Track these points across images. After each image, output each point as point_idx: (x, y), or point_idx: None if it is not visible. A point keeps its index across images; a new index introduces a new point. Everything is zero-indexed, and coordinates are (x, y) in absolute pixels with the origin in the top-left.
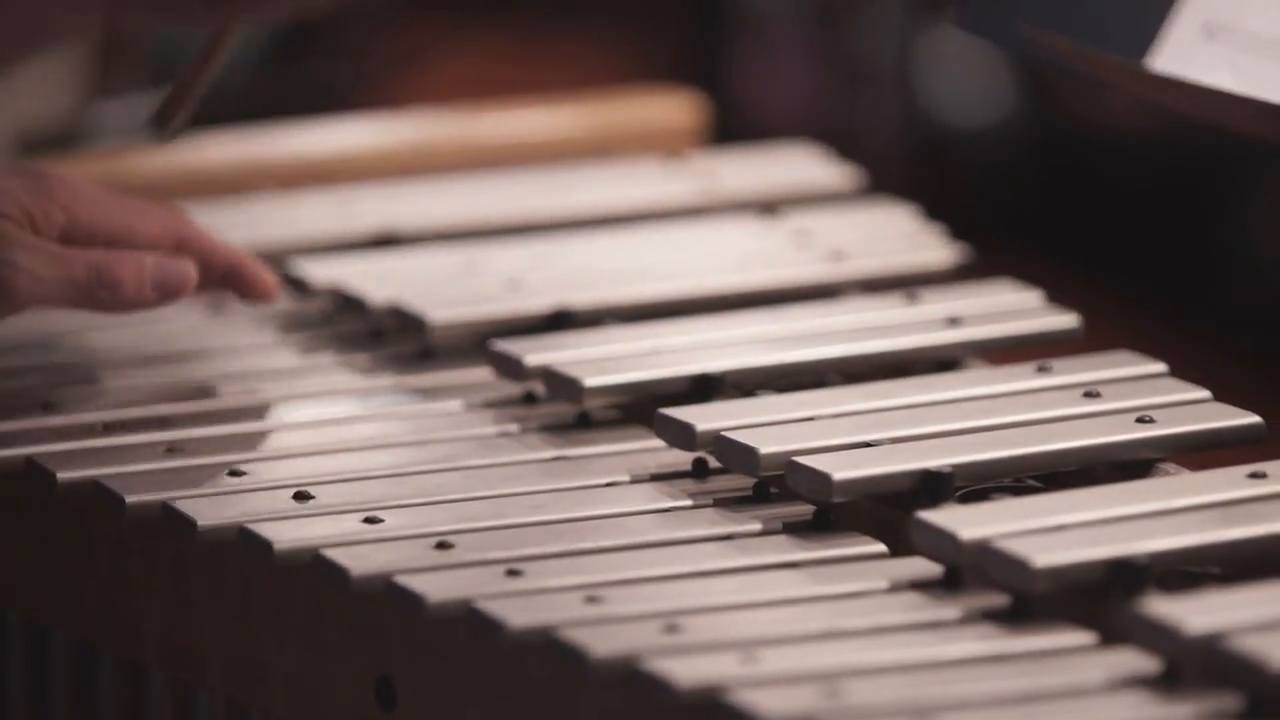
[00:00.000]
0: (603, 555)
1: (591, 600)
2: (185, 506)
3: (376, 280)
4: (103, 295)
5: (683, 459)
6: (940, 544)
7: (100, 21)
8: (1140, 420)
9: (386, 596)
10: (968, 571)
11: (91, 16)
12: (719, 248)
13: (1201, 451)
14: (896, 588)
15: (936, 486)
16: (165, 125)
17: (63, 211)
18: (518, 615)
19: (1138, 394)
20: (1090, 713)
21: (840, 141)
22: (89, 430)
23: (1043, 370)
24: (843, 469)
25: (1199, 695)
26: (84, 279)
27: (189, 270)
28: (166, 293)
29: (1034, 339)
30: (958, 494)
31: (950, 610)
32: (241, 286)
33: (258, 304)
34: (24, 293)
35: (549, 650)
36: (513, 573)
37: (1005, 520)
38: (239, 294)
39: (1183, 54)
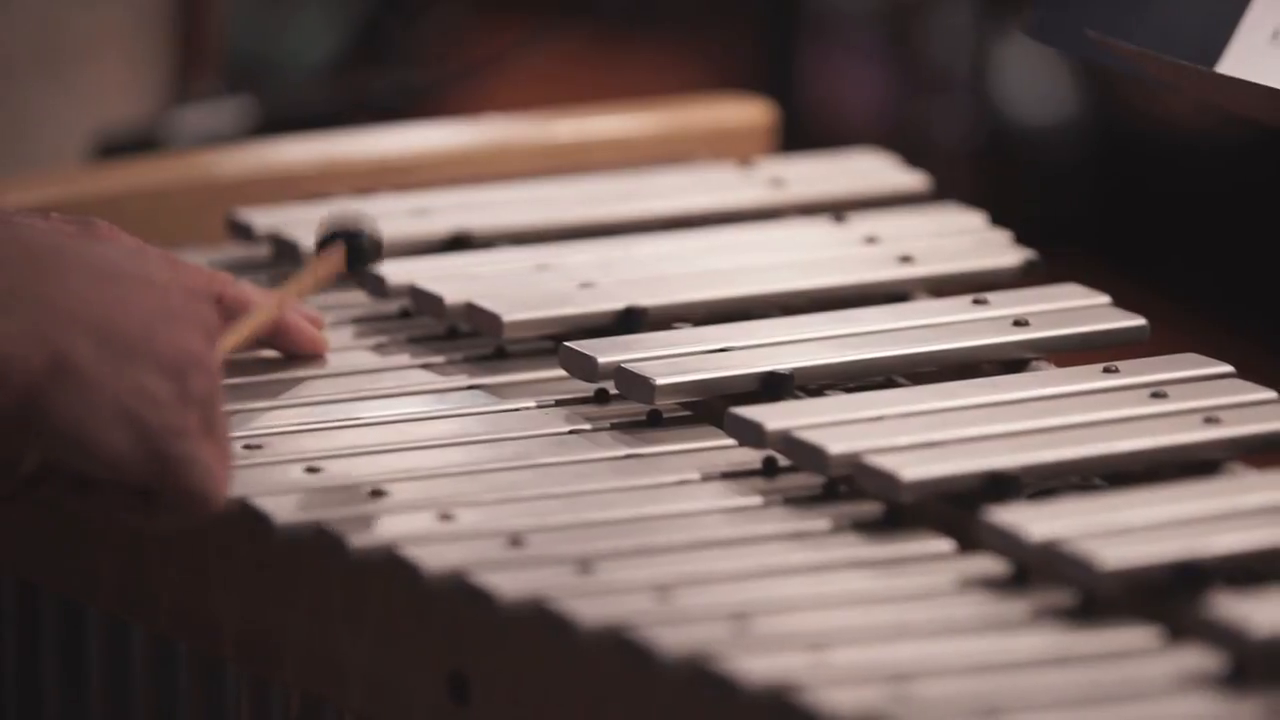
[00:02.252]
0: (673, 553)
1: (662, 597)
2: (263, 503)
3: (451, 281)
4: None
5: (752, 457)
6: (1008, 542)
7: None
8: (1207, 421)
9: (460, 593)
10: (1035, 570)
11: None
12: (788, 251)
13: (1268, 452)
14: (964, 586)
15: (1004, 486)
16: None
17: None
18: (589, 612)
19: (1204, 395)
20: (1157, 711)
21: (909, 146)
22: None
23: (1109, 371)
24: (911, 468)
25: (1265, 694)
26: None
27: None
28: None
29: (1101, 340)
30: (1025, 493)
31: (1017, 608)
32: (287, 339)
33: (305, 355)
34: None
35: (620, 647)
36: (584, 569)
37: (1073, 519)
38: (285, 350)
39: (1250, 58)
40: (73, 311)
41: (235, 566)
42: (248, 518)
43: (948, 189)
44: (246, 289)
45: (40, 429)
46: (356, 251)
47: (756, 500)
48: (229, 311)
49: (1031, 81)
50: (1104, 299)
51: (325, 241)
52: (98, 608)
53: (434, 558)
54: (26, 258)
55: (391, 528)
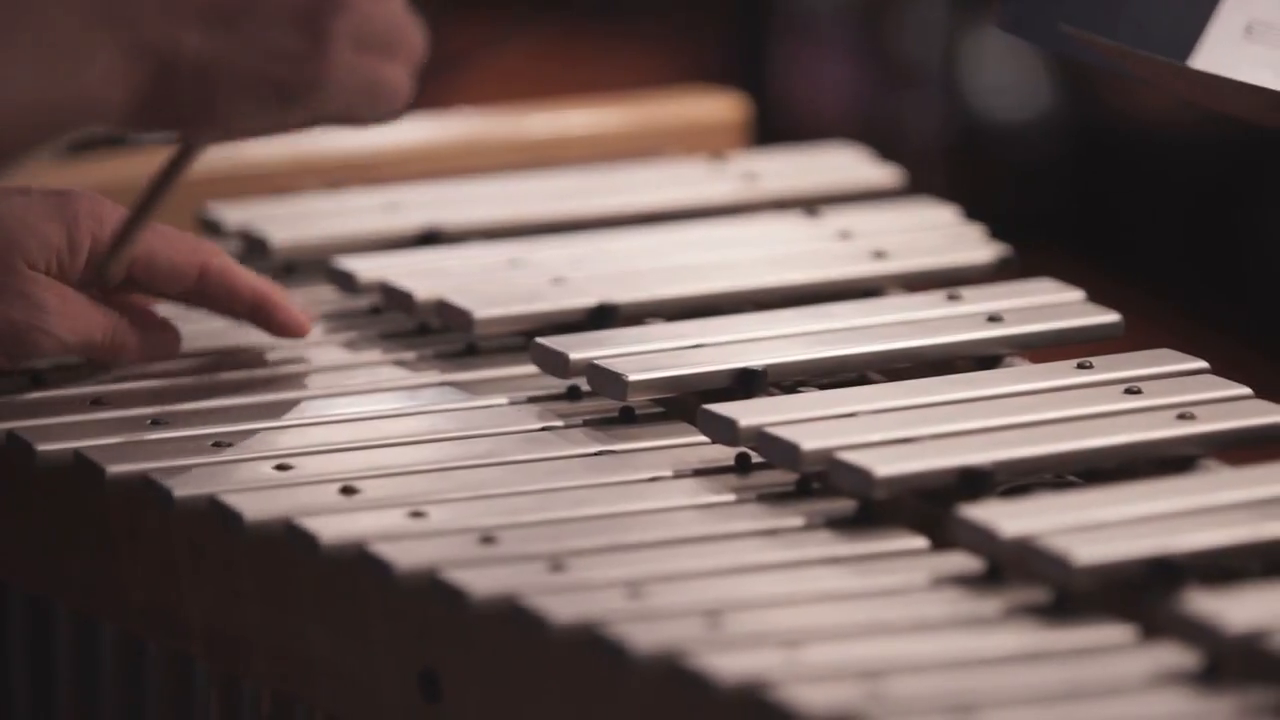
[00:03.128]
0: (645, 550)
1: (634, 595)
2: (232, 500)
3: (422, 277)
4: (109, 358)
5: (725, 454)
6: (981, 539)
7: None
8: (1181, 417)
9: (431, 591)
10: (1009, 567)
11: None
12: (761, 246)
13: (1242, 448)
14: (938, 583)
15: (977, 482)
16: (110, 262)
17: (89, 237)
18: (561, 609)
19: (1179, 391)
20: (1130, 708)
21: (882, 140)
22: (136, 425)
23: (1083, 367)
24: (885, 465)
25: (1239, 691)
26: (100, 343)
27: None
28: (160, 358)
29: (1075, 336)
30: (999, 490)
31: (991, 605)
32: (269, 321)
33: (287, 337)
34: (47, 351)
35: (592, 645)
36: (556, 567)
37: (1046, 516)
38: (267, 328)
39: (1223, 53)
40: (170, 5)
41: (205, 564)
42: (217, 515)
43: (921, 184)
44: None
45: (178, 120)
46: None
47: (729, 497)
48: (214, 287)
49: (1004, 76)
50: (1078, 294)
51: None
52: (66, 606)
53: (405, 555)
54: None
55: (362, 525)
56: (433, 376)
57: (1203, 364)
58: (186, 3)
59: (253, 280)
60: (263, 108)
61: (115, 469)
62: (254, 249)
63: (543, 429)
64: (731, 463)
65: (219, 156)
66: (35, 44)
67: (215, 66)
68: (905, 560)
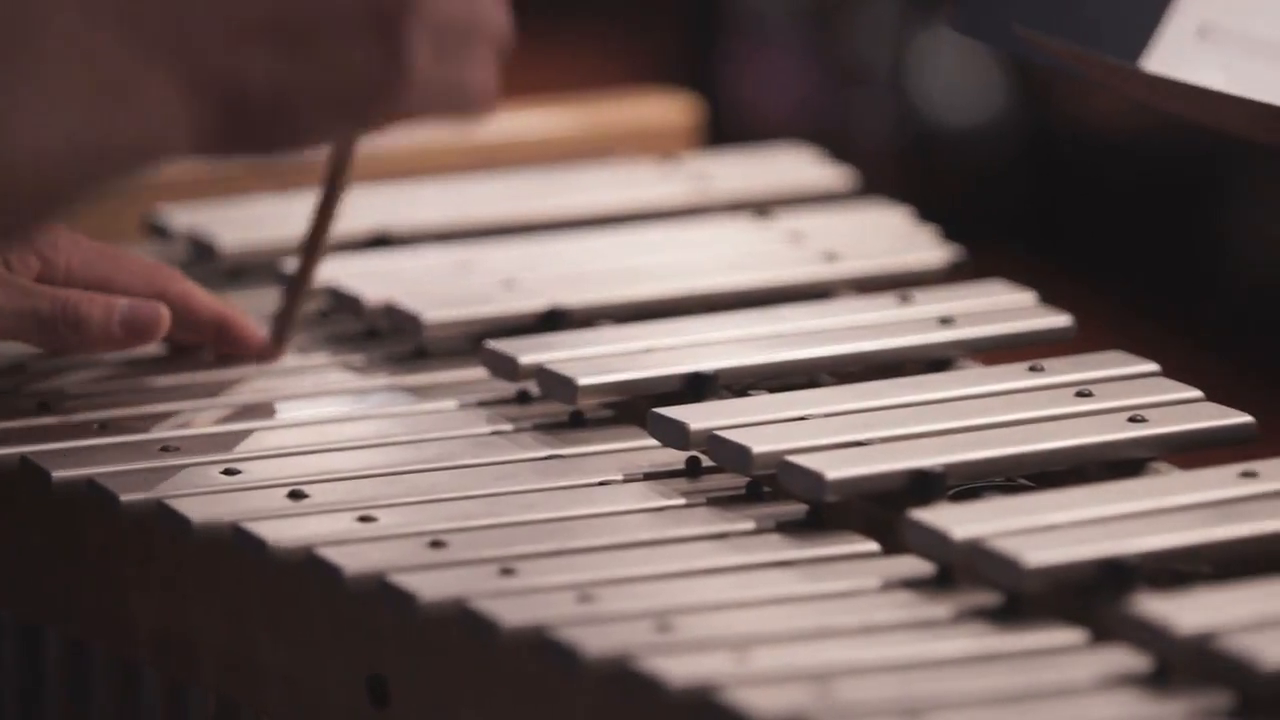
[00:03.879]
0: (595, 554)
1: (584, 599)
2: (180, 505)
3: (371, 280)
4: (67, 333)
5: (676, 458)
6: (932, 543)
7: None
8: (1132, 420)
9: (380, 595)
10: (959, 570)
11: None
12: (712, 248)
13: (1193, 451)
14: (888, 586)
15: (928, 486)
16: (281, 337)
17: (37, 256)
18: (510, 614)
19: (1129, 393)
20: (1081, 711)
21: (834, 142)
22: (84, 429)
23: (1035, 370)
24: (835, 468)
25: (1189, 694)
26: (49, 314)
27: (161, 312)
28: (135, 333)
29: (1027, 339)
30: (950, 493)
31: (942, 609)
32: (230, 342)
33: (249, 360)
34: None
35: (542, 649)
36: (506, 571)
37: (997, 519)
38: (229, 350)
39: (1176, 55)
40: (229, 35)
41: (152, 569)
42: (164, 519)
43: (873, 185)
44: (190, 286)
45: (248, 152)
46: None
47: (680, 501)
48: (174, 312)
49: (956, 77)
50: (1030, 297)
51: None
52: (10, 612)
53: (354, 559)
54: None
55: (310, 529)
56: (381, 380)
57: (1154, 366)
58: (249, 26)
59: (213, 304)
60: (345, 121)
61: (61, 474)
62: (201, 253)
63: (492, 433)
64: (682, 466)
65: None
66: (84, 83)
67: (288, 91)
68: (856, 564)
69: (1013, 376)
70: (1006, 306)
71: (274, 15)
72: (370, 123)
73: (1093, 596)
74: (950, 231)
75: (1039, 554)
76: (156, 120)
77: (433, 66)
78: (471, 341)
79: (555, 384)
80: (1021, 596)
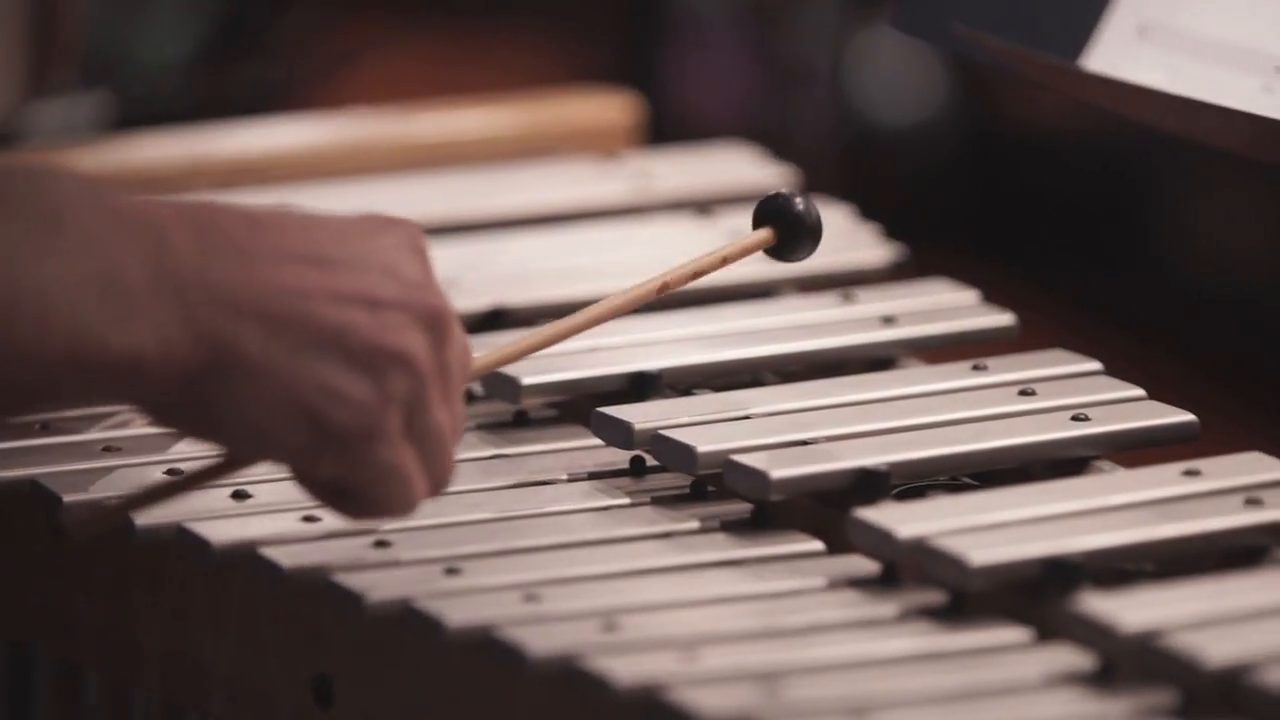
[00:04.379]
0: (541, 553)
1: (530, 598)
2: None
3: None
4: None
5: (620, 457)
6: (877, 542)
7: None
8: (1075, 418)
9: (325, 595)
10: (904, 569)
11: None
12: (654, 247)
13: (1136, 449)
14: (834, 585)
15: (873, 485)
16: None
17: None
18: (456, 614)
19: (1073, 392)
20: (1026, 709)
21: (774, 141)
22: (25, 429)
23: (978, 369)
24: (780, 467)
25: (1133, 691)
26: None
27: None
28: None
29: (969, 338)
30: (894, 492)
31: (887, 608)
32: None
33: None
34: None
35: (488, 649)
36: (451, 571)
37: (942, 518)
38: None
39: (1116, 54)
40: (241, 298)
41: (96, 570)
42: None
43: (814, 184)
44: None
45: (210, 422)
46: (789, 241)
47: (624, 500)
48: None
49: (896, 77)
50: (973, 295)
51: (760, 220)
52: None
53: (297, 559)
54: (196, 238)
55: (254, 529)
56: None
57: (1097, 365)
58: (267, 310)
59: None
60: (294, 437)
61: (3, 474)
62: None
63: None
64: (626, 466)
65: (108, 159)
66: (102, 284)
67: (266, 375)
68: (801, 563)
69: (956, 375)
70: (949, 305)
71: (297, 314)
72: (320, 452)
73: (1037, 595)
74: (892, 230)
75: (984, 553)
76: (150, 344)
77: (399, 442)
78: None
79: (499, 383)
80: (966, 595)
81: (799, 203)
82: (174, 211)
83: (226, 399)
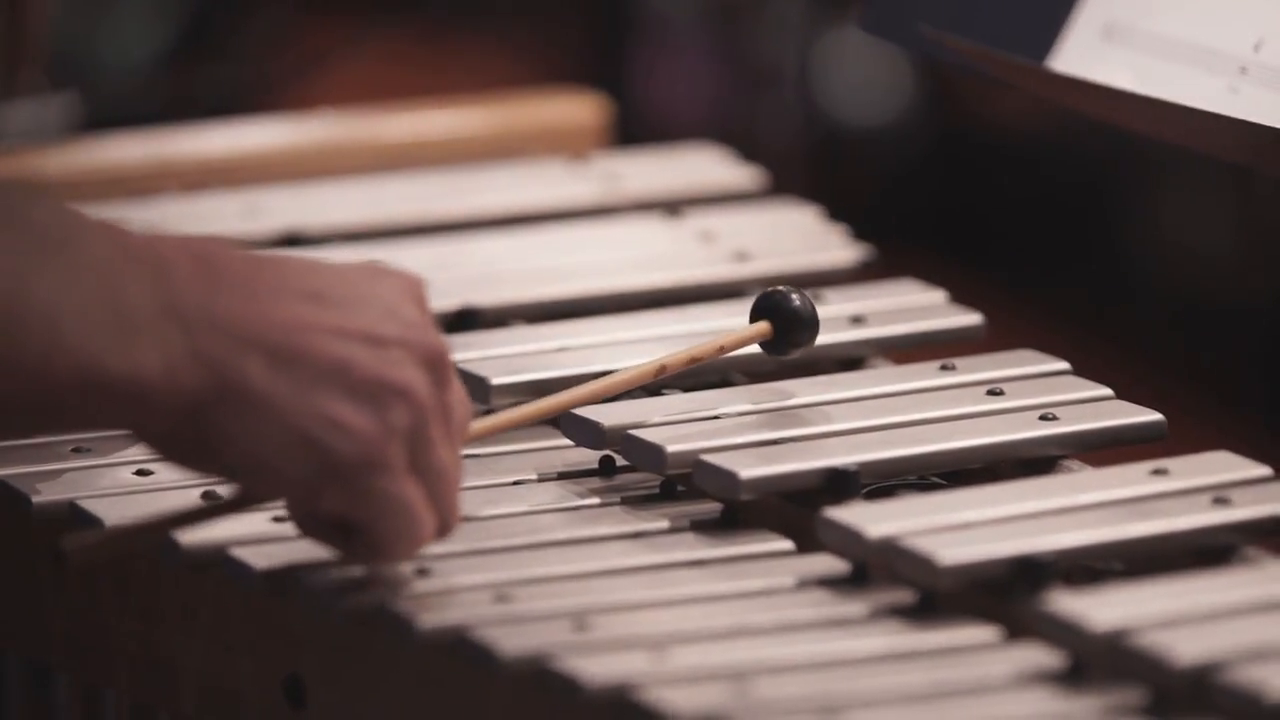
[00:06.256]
0: (511, 554)
1: (500, 599)
2: (92, 506)
3: None
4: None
5: (590, 457)
6: (847, 541)
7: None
8: (1043, 418)
9: (295, 596)
10: (874, 568)
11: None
12: (623, 248)
13: (1104, 449)
14: (804, 585)
15: (843, 484)
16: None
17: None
18: (427, 615)
19: (1041, 392)
20: (996, 708)
21: (742, 142)
22: None
23: (946, 369)
24: (749, 467)
25: (1103, 690)
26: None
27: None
28: None
29: (937, 338)
30: (864, 491)
31: (857, 607)
32: None
33: None
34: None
35: (459, 649)
36: (421, 572)
37: (911, 517)
38: None
39: (1082, 54)
40: (245, 330)
41: (66, 571)
42: (77, 520)
43: (781, 185)
44: None
45: (212, 453)
46: (785, 335)
47: (594, 500)
48: None
49: (863, 78)
50: (940, 295)
51: (757, 314)
52: None
53: (268, 560)
54: (200, 272)
55: (224, 529)
56: None
57: (1065, 365)
58: (270, 342)
59: None
60: (296, 468)
61: None
62: None
63: None
64: (596, 466)
65: (77, 160)
66: (110, 308)
67: (270, 405)
68: (771, 562)
69: (924, 375)
70: (917, 305)
71: (300, 347)
72: (322, 483)
73: (1007, 594)
74: (859, 231)
75: (953, 552)
76: (154, 372)
77: (404, 474)
78: None
79: (469, 384)
80: (936, 594)
81: (795, 299)
82: (177, 245)
83: (230, 429)
